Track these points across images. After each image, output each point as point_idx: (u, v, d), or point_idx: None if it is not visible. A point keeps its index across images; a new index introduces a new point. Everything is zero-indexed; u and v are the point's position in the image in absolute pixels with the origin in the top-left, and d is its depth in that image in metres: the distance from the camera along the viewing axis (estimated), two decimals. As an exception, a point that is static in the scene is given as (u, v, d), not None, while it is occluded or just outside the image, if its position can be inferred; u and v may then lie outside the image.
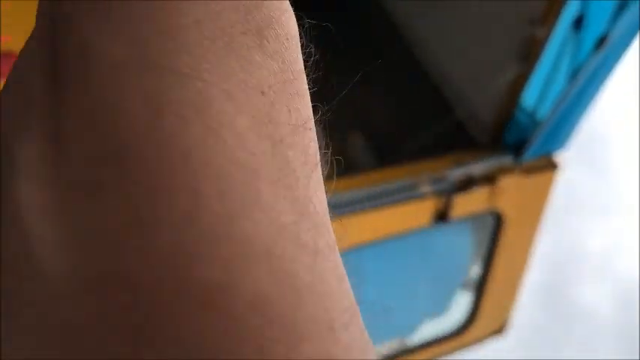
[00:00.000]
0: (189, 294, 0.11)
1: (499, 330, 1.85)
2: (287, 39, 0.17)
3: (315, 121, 0.19)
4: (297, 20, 0.19)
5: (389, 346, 1.72)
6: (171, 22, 0.14)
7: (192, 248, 0.12)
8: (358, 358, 0.14)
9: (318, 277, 0.14)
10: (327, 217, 0.17)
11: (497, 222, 1.57)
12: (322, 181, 0.18)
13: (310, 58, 0.20)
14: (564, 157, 1.57)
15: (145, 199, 0.12)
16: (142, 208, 0.12)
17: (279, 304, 0.12)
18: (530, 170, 1.52)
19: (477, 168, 1.46)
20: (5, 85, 0.15)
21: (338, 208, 1.30)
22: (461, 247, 1.64)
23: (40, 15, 0.16)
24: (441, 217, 1.44)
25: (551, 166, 1.55)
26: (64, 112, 0.13)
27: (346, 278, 0.16)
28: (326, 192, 0.19)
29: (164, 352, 0.11)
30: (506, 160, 1.49)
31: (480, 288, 1.69)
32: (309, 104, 0.18)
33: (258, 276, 0.12)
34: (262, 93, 0.15)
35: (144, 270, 0.11)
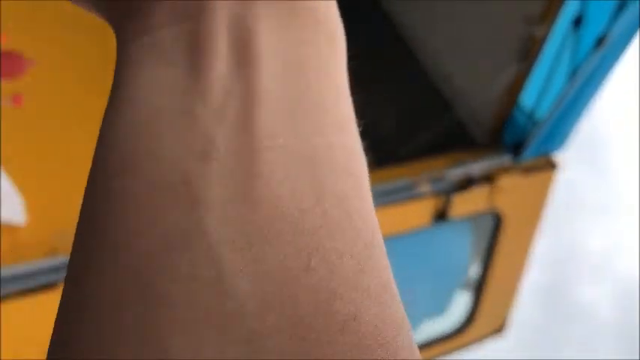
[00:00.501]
0: (331, 319, 0.16)
1: (499, 330, 1.85)
2: None
3: None
4: None
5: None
6: None
7: (336, 289, 0.16)
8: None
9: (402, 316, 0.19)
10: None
11: (497, 222, 1.57)
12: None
13: None
14: (564, 157, 1.57)
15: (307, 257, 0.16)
16: (311, 258, 0.16)
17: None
18: (529, 170, 1.52)
19: (476, 168, 1.46)
20: None
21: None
22: (460, 247, 1.65)
23: None
24: (441, 216, 1.44)
25: (550, 165, 1.55)
26: None
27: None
28: None
29: (322, 351, 0.15)
30: (506, 159, 1.49)
31: (479, 287, 1.69)
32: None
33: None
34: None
35: (306, 300, 0.16)
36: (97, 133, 0.19)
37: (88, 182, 0.18)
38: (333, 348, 0.15)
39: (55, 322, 0.16)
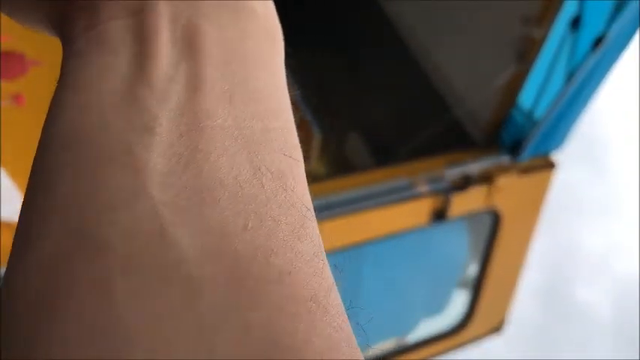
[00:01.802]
0: (268, 271, 0.17)
1: (497, 328, 1.86)
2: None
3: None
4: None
5: (387, 345, 1.73)
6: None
7: (273, 247, 0.18)
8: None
9: None
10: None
11: (495, 221, 1.57)
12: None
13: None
14: (563, 157, 1.58)
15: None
16: (248, 220, 0.18)
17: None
18: (527, 169, 1.52)
19: (475, 167, 1.46)
20: None
21: (337, 208, 1.31)
22: (458, 246, 1.65)
23: None
24: (439, 216, 1.44)
25: (548, 165, 1.55)
26: None
27: None
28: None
29: (257, 298, 0.16)
30: (504, 159, 1.50)
31: (477, 286, 1.70)
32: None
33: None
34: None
35: (244, 252, 0.17)
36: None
37: (36, 156, 0.19)
38: (269, 297, 0.16)
39: (5, 271, 0.18)
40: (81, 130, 0.18)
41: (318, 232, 0.20)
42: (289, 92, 0.23)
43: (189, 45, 0.20)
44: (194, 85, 0.19)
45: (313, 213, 0.21)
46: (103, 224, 0.16)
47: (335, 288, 0.20)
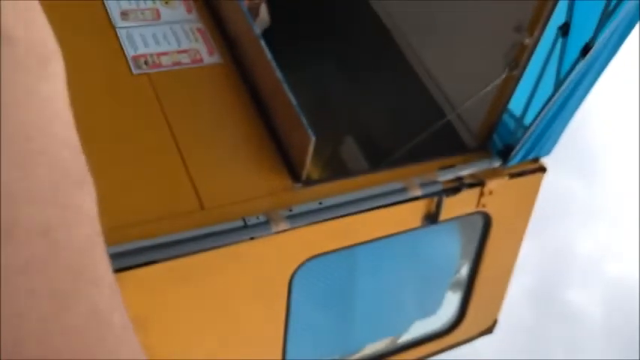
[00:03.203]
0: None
1: (488, 329, 1.88)
2: None
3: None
4: None
5: (380, 345, 1.75)
6: None
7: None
8: None
9: None
10: None
11: (486, 224, 1.60)
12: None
13: None
14: (556, 162, 1.60)
15: None
16: None
17: None
18: (518, 174, 1.55)
19: (466, 171, 1.49)
20: None
21: (331, 211, 1.33)
22: (451, 248, 1.68)
23: None
24: (432, 219, 1.47)
25: (538, 169, 1.58)
26: None
27: None
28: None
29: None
30: (495, 163, 1.52)
31: (469, 287, 1.72)
32: None
33: None
34: None
35: None
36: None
37: None
38: None
39: None
40: None
41: (96, 284, 0.21)
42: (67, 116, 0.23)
43: None
44: None
45: (91, 266, 0.21)
46: None
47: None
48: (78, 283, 0.21)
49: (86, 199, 0.22)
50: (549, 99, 1.42)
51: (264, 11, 1.93)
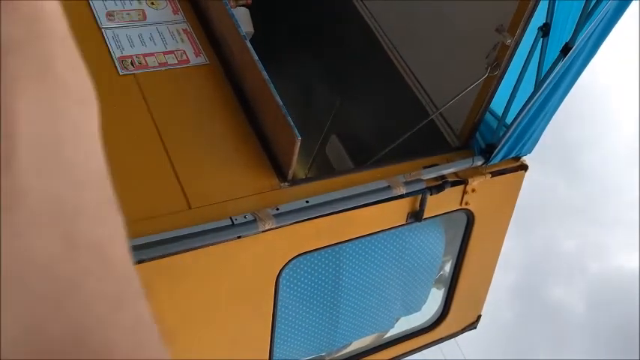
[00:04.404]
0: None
1: (472, 324, 1.90)
2: None
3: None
4: None
5: (366, 341, 1.77)
6: None
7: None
8: None
9: None
10: None
11: (469, 221, 1.62)
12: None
13: None
14: (539, 161, 1.62)
15: None
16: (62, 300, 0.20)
17: None
18: (499, 171, 1.58)
19: (450, 170, 1.51)
20: None
21: (317, 209, 1.35)
22: (434, 245, 1.70)
23: None
24: (416, 216, 1.49)
25: (519, 167, 1.61)
26: None
27: None
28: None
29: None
30: (477, 162, 1.54)
31: (452, 283, 1.75)
32: None
33: None
34: None
35: (53, 338, 0.19)
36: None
37: None
38: None
39: None
40: None
41: (141, 294, 0.22)
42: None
43: (5, 123, 0.21)
44: (8, 163, 0.20)
45: (135, 276, 0.22)
46: None
47: (163, 349, 0.21)
48: (126, 292, 0.22)
49: (120, 218, 0.24)
50: (530, 98, 1.44)
51: (247, 20, 1.93)
